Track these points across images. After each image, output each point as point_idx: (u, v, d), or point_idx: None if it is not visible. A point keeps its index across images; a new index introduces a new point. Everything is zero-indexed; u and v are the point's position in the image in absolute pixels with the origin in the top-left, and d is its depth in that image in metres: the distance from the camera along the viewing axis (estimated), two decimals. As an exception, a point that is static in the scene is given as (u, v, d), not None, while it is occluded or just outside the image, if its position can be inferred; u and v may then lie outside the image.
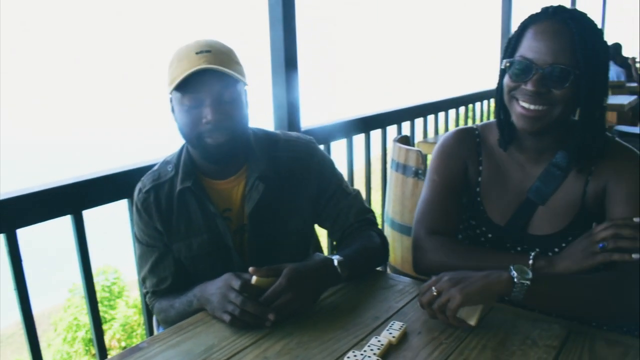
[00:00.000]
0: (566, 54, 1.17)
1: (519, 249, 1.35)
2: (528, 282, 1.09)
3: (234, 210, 1.46)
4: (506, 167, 1.38)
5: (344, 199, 1.52)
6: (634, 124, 7.50)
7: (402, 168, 2.51)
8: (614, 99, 6.18)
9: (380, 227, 1.59)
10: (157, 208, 1.43)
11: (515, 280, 1.09)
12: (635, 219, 1.17)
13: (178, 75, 1.29)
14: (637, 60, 8.67)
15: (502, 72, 1.28)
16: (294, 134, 1.57)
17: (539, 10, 1.25)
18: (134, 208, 1.47)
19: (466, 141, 1.43)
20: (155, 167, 1.49)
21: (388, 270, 2.30)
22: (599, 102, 1.24)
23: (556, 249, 1.30)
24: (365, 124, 2.81)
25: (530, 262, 1.23)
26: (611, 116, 6.73)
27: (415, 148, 2.45)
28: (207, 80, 1.29)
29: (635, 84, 8.00)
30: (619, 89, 7.11)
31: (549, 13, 1.22)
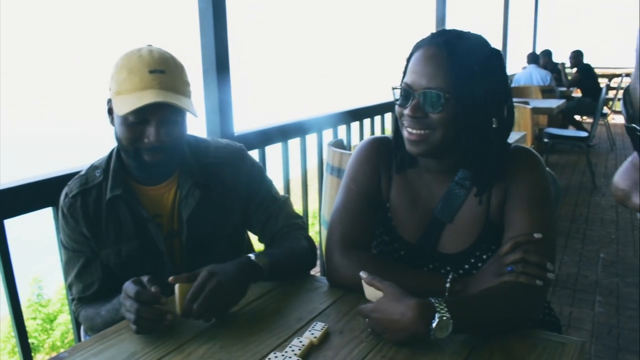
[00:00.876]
0: (439, 78, 1.20)
1: (430, 266, 1.37)
2: (449, 331, 1.06)
3: (164, 216, 1.47)
4: (414, 185, 1.39)
5: (273, 204, 1.54)
6: (564, 127, 7.87)
7: (337, 171, 2.56)
8: (544, 103, 6.46)
9: (317, 229, 1.62)
10: (84, 213, 1.41)
11: (432, 333, 1.06)
12: (537, 235, 1.21)
13: (127, 90, 1.29)
14: (567, 65, 9.07)
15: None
16: (224, 140, 1.58)
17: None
18: (60, 213, 1.44)
19: (381, 150, 1.42)
20: (83, 172, 1.47)
21: (320, 272, 2.33)
22: (484, 125, 1.25)
23: (466, 266, 1.33)
24: (301, 129, 2.84)
25: (448, 285, 1.25)
26: (542, 119, 7.04)
27: (349, 152, 2.50)
28: (153, 97, 1.28)
29: (564, 88, 8.39)
30: (549, 93, 7.43)
31: (428, 39, 1.26)
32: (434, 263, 1.36)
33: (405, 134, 1.27)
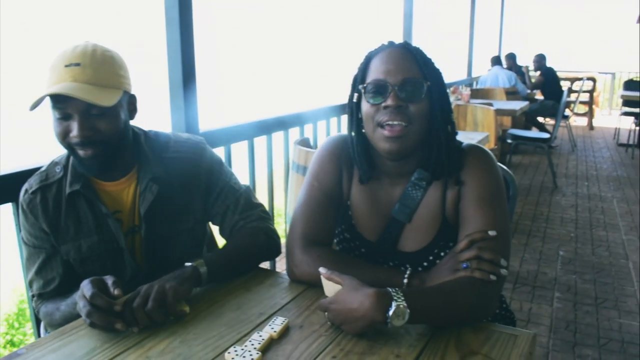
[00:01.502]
0: (414, 70, 1.27)
1: (390, 264, 1.41)
2: (405, 319, 1.08)
3: (124, 211, 1.46)
4: (373, 188, 1.42)
5: (232, 195, 1.55)
6: (527, 128, 8.05)
7: (303, 170, 2.58)
8: (508, 105, 6.59)
9: (284, 227, 1.62)
10: (44, 209, 1.40)
11: (389, 320, 1.08)
12: (491, 233, 1.25)
13: (46, 86, 1.28)
14: (530, 69, 9.28)
15: (356, 105, 1.34)
16: (184, 135, 1.59)
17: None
18: (20, 209, 1.43)
19: (344, 149, 1.44)
20: (43, 168, 1.46)
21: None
22: (448, 116, 1.33)
23: (425, 263, 1.37)
24: (267, 127, 2.85)
25: (405, 280, 1.28)
26: (506, 120, 7.18)
27: (315, 150, 2.51)
28: (55, 90, 1.26)
29: (528, 91, 8.58)
30: (513, 95, 7.58)
31: (386, 45, 1.33)
32: (394, 261, 1.39)
33: (383, 132, 1.27)
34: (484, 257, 1.22)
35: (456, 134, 1.37)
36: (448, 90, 6.92)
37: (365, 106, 1.30)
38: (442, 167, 1.33)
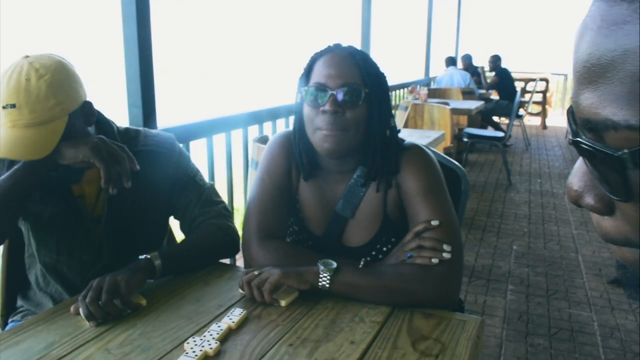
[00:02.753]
0: (355, 76, 1.31)
1: (336, 257, 1.43)
2: (330, 274, 1.24)
3: (88, 200, 1.48)
4: (319, 184, 1.47)
5: (194, 190, 1.56)
6: (483, 127, 8.25)
7: (262, 167, 2.60)
8: (464, 104, 6.74)
9: (241, 223, 1.63)
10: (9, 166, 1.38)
11: (321, 272, 1.24)
12: (434, 222, 1.30)
13: None
14: (486, 69, 9.50)
15: (299, 106, 1.37)
16: (154, 130, 1.62)
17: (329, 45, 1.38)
18: None
19: (293, 144, 1.47)
20: None
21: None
22: (387, 121, 1.38)
23: (368, 258, 1.41)
24: (226, 124, 2.86)
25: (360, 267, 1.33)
26: (462, 119, 7.34)
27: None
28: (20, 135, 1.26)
29: (484, 91, 8.79)
30: (469, 95, 7.76)
31: (331, 48, 1.36)
32: (339, 255, 1.43)
33: (320, 135, 1.31)
34: (425, 244, 1.28)
35: (396, 136, 1.41)
36: (405, 90, 7.03)
37: (306, 109, 1.34)
38: (376, 170, 1.38)
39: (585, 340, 2.80)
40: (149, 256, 1.33)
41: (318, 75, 1.32)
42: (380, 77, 1.37)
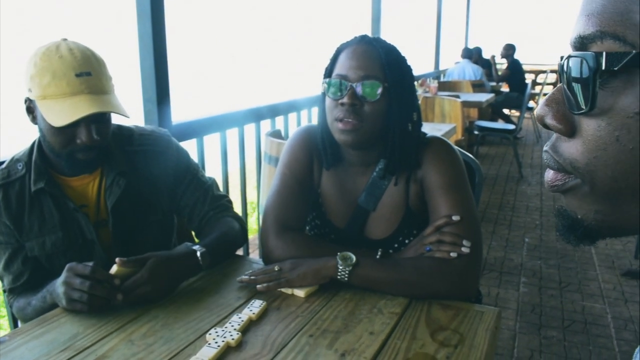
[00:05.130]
0: (375, 70, 1.31)
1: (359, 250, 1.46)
2: (350, 268, 1.25)
3: (90, 206, 1.48)
4: (341, 177, 1.49)
5: (200, 187, 1.58)
6: (493, 120, 8.21)
7: (275, 161, 2.61)
8: (474, 97, 6.71)
9: (257, 216, 1.66)
10: (7, 206, 1.40)
11: (339, 266, 1.25)
12: (455, 217, 1.31)
13: (53, 95, 1.27)
14: (496, 58, 9.43)
15: (323, 96, 1.38)
16: (148, 127, 1.61)
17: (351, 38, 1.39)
18: None
19: (314, 139, 1.49)
20: (4, 165, 1.45)
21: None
22: (409, 116, 1.38)
23: (390, 250, 1.43)
24: (239, 118, 2.87)
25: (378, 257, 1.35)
26: (473, 112, 7.32)
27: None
28: (88, 107, 1.28)
29: (494, 83, 8.74)
30: (480, 87, 7.73)
31: (357, 39, 1.36)
32: (361, 247, 1.45)
33: (338, 125, 1.33)
34: (445, 239, 1.29)
35: (418, 130, 1.41)
36: (416, 83, 7.01)
37: (327, 100, 1.36)
38: (395, 164, 1.39)
39: (599, 333, 2.80)
40: (201, 261, 1.34)
41: (340, 67, 1.33)
42: (404, 71, 1.36)
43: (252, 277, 1.30)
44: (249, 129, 3.02)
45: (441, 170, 1.37)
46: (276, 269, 1.29)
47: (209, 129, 2.61)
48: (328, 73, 1.38)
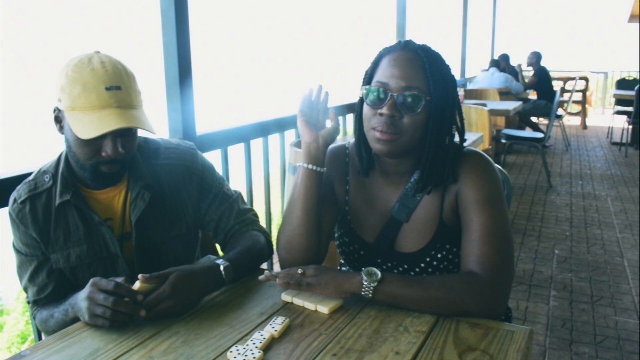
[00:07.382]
0: (418, 81, 1.26)
1: (389, 264, 1.43)
2: (375, 284, 1.21)
3: (115, 219, 1.47)
4: (372, 188, 1.45)
5: (225, 202, 1.57)
6: (521, 128, 8.09)
7: (299, 171, 2.59)
8: (501, 105, 6.62)
9: (278, 225, 1.64)
10: (34, 219, 1.40)
11: (364, 282, 1.22)
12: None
13: (83, 107, 1.27)
14: (523, 67, 9.31)
15: (361, 102, 1.34)
16: (174, 140, 1.59)
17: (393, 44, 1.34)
18: (9, 218, 1.43)
19: (334, 161, 1.48)
20: (32, 177, 1.45)
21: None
22: (448, 129, 1.33)
23: (422, 265, 1.39)
24: (263, 129, 2.86)
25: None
26: (500, 120, 7.21)
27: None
28: (115, 121, 1.27)
29: (522, 87, 8.62)
30: (507, 95, 7.62)
31: (401, 45, 1.31)
32: (392, 262, 1.41)
33: (375, 134, 1.29)
34: None
35: (456, 144, 1.37)
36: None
37: (365, 107, 1.32)
38: (427, 177, 1.34)
39: (633, 349, 2.70)
40: (224, 276, 1.33)
41: (382, 74, 1.29)
42: (448, 83, 1.30)
43: (274, 274, 1.29)
44: (274, 139, 3.01)
45: (477, 185, 1.32)
46: (300, 272, 1.27)
47: (234, 139, 2.61)
48: (368, 79, 1.34)
